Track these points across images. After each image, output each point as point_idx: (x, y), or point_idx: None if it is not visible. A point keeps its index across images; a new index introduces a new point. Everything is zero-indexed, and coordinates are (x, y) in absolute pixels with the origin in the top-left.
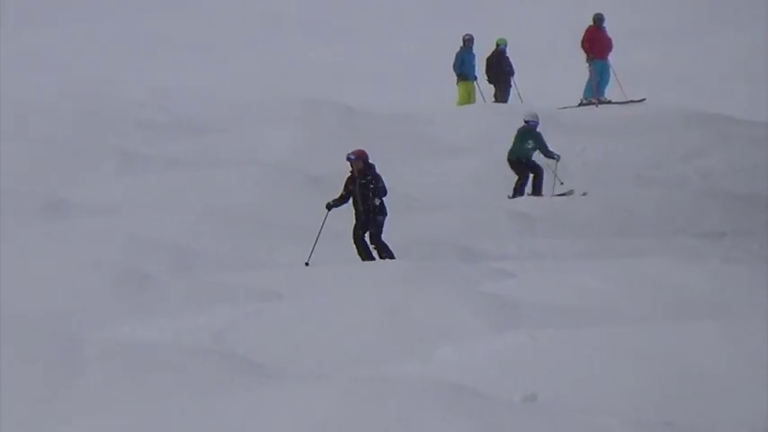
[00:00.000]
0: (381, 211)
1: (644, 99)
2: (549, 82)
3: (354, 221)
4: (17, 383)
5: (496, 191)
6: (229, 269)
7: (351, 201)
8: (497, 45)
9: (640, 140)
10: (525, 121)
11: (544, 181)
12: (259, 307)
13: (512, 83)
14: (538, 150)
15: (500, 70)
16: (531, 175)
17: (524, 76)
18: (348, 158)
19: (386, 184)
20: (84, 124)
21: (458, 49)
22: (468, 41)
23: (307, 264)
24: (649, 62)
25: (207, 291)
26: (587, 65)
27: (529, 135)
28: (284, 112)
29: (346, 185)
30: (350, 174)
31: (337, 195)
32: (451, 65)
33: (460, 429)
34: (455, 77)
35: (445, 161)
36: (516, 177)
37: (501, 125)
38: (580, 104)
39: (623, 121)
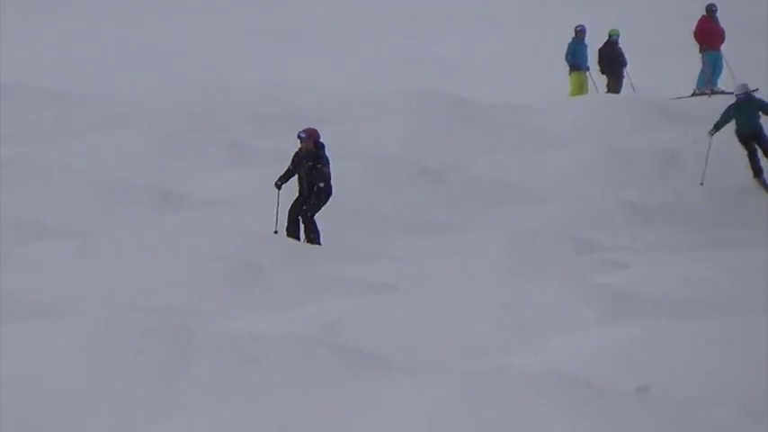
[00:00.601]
0: (326, 191)
1: (757, 89)
2: (661, 72)
3: (297, 195)
4: (130, 377)
5: (609, 182)
6: (341, 261)
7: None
8: (610, 36)
9: None
10: (739, 95)
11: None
12: (372, 299)
13: (624, 73)
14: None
15: (612, 61)
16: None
17: (637, 66)
18: (299, 137)
19: (330, 170)
20: (196, 117)
21: (570, 40)
22: (580, 32)
23: (275, 232)
24: (762, 52)
25: (319, 283)
26: (700, 55)
27: (752, 105)
28: (396, 103)
29: (293, 161)
30: (297, 151)
31: (283, 171)
32: (564, 56)
33: (574, 421)
34: (567, 68)
35: (557, 152)
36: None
37: (613, 116)
38: (693, 95)
39: None
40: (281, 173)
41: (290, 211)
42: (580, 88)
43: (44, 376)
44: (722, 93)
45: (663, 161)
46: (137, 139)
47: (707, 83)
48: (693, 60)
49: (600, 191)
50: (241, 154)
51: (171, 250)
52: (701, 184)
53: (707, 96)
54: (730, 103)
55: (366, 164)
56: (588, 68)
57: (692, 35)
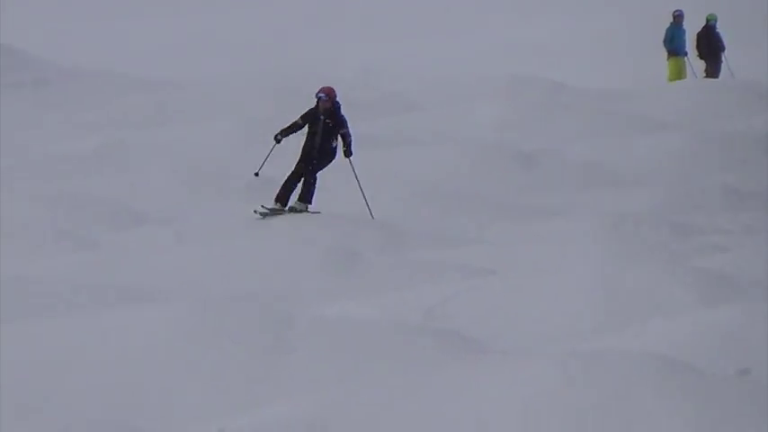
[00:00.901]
0: (333, 153)
1: None
2: (760, 57)
3: (300, 156)
4: (228, 361)
5: (706, 166)
6: (438, 246)
7: (306, 134)
8: (707, 20)
9: None
10: None
11: None
12: (469, 283)
13: (722, 58)
14: None
15: (710, 46)
16: None
17: (735, 51)
18: (319, 97)
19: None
20: (288, 103)
21: (668, 26)
22: (678, 17)
23: (256, 174)
24: None
25: (416, 268)
26: None
27: None
28: (491, 88)
29: (306, 117)
30: (314, 109)
31: (288, 124)
32: (662, 41)
33: (674, 403)
34: (665, 54)
35: (654, 137)
36: None
37: (711, 101)
38: None
39: None
40: (285, 126)
41: (293, 174)
42: (678, 73)
43: (140, 363)
44: None
45: (761, 145)
46: (231, 126)
47: None
48: None
49: (697, 175)
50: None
51: (266, 237)
52: None
53: None
54: None
55: (461, 149)
56: (686, 54)
57: None
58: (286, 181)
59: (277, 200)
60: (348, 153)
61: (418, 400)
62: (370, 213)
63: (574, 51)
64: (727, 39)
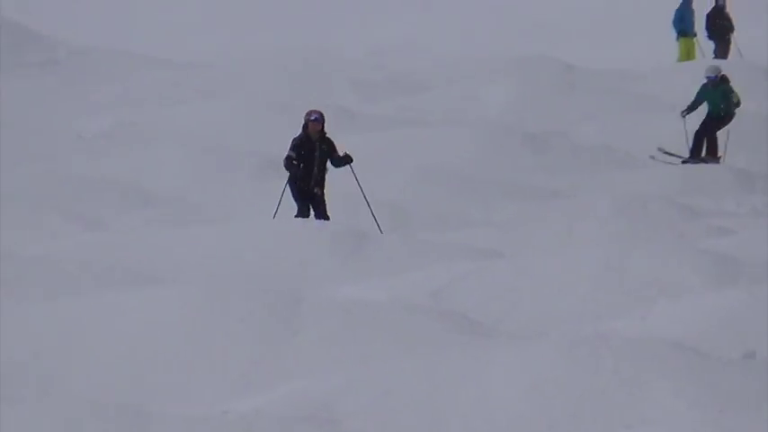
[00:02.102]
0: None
1: None
2: None
3: (292, 189)
4: (235, 342)
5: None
6: (446, 228)
7: (299, 168)
8: (716, 1)
9: None
10: (710, 77)
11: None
12: (477, 265)
13: (731, 39)
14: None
15: (720, 26)
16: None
17: (744, 32)
18: (314, 119)
19: None
20: (299, 83)
21: (677, 6)
22: None
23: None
24: None
25: (424, 249)
26: None
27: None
28: (500, 68)
29: (298, 148)
30: (304, 135)
31: (286, 162)
32: (671, 21)
33: (679, 386)
34: (675, 34)
35: (663, 117)
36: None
37: None
38: None
39: None
40: (287, 162)
41: (300, 214)
42: (688, 54)
43: (147, 344)
44: None
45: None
46: (241, 105)
47: None
48: None
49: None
50: (346, 119)
51: (275, 218)
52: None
53: None
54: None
55: (471, 130)
56: (695, 34)
57: None
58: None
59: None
60: (348, 158)
61: (425, 382)
62: (379, 227)
63: (584, 31)
64: (736, 19)
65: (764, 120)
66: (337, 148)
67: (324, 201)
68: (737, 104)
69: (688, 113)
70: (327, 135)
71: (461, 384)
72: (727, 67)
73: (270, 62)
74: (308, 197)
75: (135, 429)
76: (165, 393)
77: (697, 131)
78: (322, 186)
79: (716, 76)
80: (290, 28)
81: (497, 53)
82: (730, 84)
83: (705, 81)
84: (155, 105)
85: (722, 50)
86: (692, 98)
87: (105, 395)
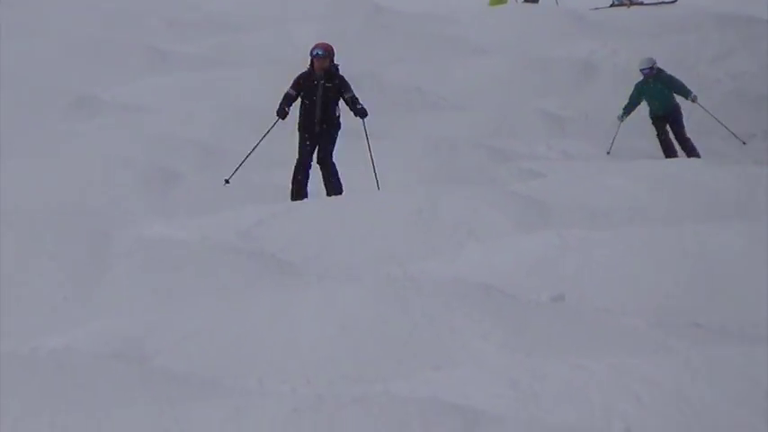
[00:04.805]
0: (339, 123)
1: (675, 0)
2: None
3: (298, 134)
4: (43, 280)
5: (526, 91)
6: (255, 169)
7: (300, 106)
8: None
9: (671, 42)
10: (644, 71)
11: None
12: (287, 206)
13: None
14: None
15: None
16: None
17: None
18: (315, 54)
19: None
20: (112, 22)
21: None
22: None
23: (227, 181)
24: None
25: (234, 190)
26: None
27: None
28: (311, 9)
29: (298, 84)
30: (307, 72)
31: (281, 100)
32: None
33: (487, 328)
34: None
35: (474, 61)
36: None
37: (532, 26)
38: (612, 5)
39: (654, 22)
40: (281, 100)
41: (300, 161)
42: None
43: None
44: (641, 4)
45: (580, 71)
46: (53, 44)
47: None
48: None
49: (517, 100)
50: (158, 60)
51: (86, 154)
52: (608, 153)
53: (626, 8)
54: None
55: (281, 71)
56: None
57: None
58: (294, 179)
59: (296, 198)
60: (363, 112)
61: (234, 322)
62: (377, 184)
63: None
64: None
65: (575, 64)
66: (349, 87)
67: (333, 165)
68: (685, 93)
69: (625, 116)
70: (339, 72)
71: (270, 324)
72: (539, 12)
73: (83, 1)
74: (314, 142)
75: None
76: None
77: (660, 141)
78: (327, 137)
79: (650, 69)
80: None
81: None
82: (667, 73)
83: (641, 77)
84: None
85: None
86: (627, 99)
87: None
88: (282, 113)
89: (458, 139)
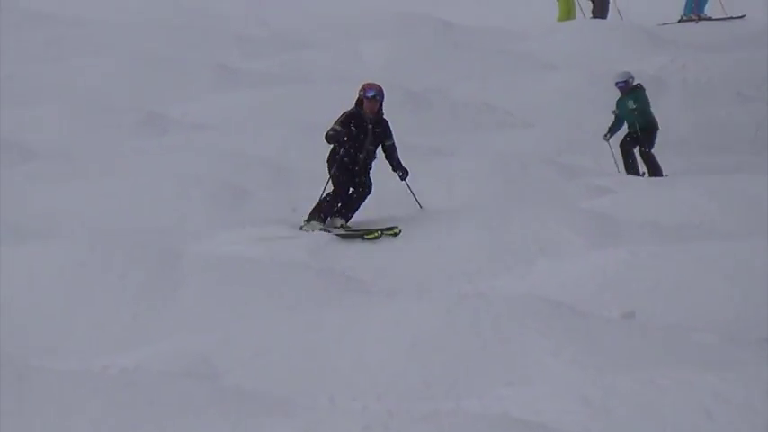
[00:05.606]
0: (370, 185)
1: (744, 15)
2: None
3: (335, 177)
4: (115, 298)
5: (594, 108)
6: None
7: (339, 146)
8: None
9: (741, 57)
10: (619, 84)
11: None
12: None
13: None
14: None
15: None
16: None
17: None
18: (371, 96)
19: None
20: (181, 39)
21: None
22: None
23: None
24: None
25: (305, 207)
26: None
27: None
28: (381, 26)
29: (348, 123)
30: (357, 112)
31: (331, 133)
32: None
33: (558, 345)
34: None
35: (543, 77)
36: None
37: (600, 41)
38: (680, 21)
39: (723, 37)
40: (331, 132)
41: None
42: (568, 13)
43: (29, 299)
44: (709, 19)
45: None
46: (124, 62)
47: (694, 9)
48: None
49: (585, 116)
50: (227, 77)
51: (155, 173)
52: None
53: (693, 23)
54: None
55: (351, 87)
56: None
57: None
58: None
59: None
60: (405, 172)
61: (304, 339)
62: (418, 204)
63: None
64: None
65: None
66: (393, 138)
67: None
68: (645, 116)
69: (610, 136)
70: (384, 117)
71: (341, 341)
72: (606, 27)
73: (150, 18)
74: (351, 184)
75: (13, 384)
76: (45, 348)
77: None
78: (367, 175)
79: (625, 83)
80: None
81: (377, 11)
82: (645, 92)
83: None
84: (41, 60)
85: (600, 9)
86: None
87: None
88: (336, 140)
89: (527, 155)
